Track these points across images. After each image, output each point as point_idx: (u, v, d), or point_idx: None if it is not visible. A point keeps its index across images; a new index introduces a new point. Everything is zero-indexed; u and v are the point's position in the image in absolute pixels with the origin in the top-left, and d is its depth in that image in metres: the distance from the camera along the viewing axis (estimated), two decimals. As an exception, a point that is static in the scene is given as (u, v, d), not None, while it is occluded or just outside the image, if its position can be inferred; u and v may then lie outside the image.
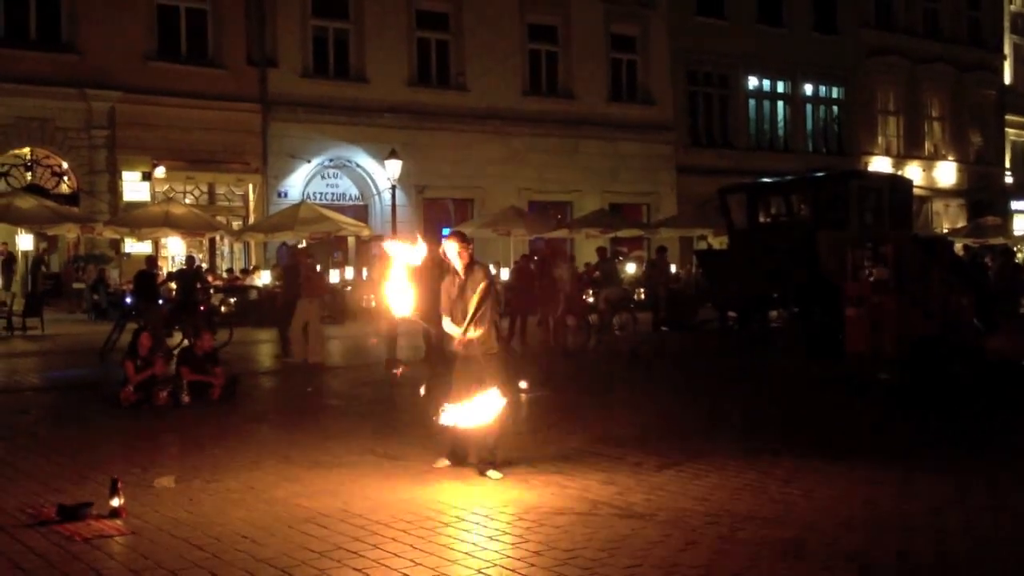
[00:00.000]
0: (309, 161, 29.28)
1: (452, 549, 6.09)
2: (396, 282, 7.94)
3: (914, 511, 6.89)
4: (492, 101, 31.61)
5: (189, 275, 20.04)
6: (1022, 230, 43.34)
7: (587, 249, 29.77)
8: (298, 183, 29.20)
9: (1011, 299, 20.41)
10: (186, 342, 15.06)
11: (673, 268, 27.30)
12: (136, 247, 26.57)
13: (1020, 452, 9.20)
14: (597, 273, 23.72)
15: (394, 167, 27.03)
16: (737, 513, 6.85)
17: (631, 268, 28.58)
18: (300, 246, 22.13)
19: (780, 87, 39.51)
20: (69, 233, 26.05)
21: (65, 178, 26.97)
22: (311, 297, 17.04)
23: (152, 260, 20.27)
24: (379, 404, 12.85)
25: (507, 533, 6.37)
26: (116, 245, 26.78)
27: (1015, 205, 45.24)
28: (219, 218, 27.69)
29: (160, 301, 18.78)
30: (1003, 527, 6.59)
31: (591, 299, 23.02)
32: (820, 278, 16.44)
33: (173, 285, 20.07)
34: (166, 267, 24.85)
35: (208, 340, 13.03)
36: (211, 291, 22.94)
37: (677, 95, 36.10)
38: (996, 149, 45.96)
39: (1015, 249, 36.58)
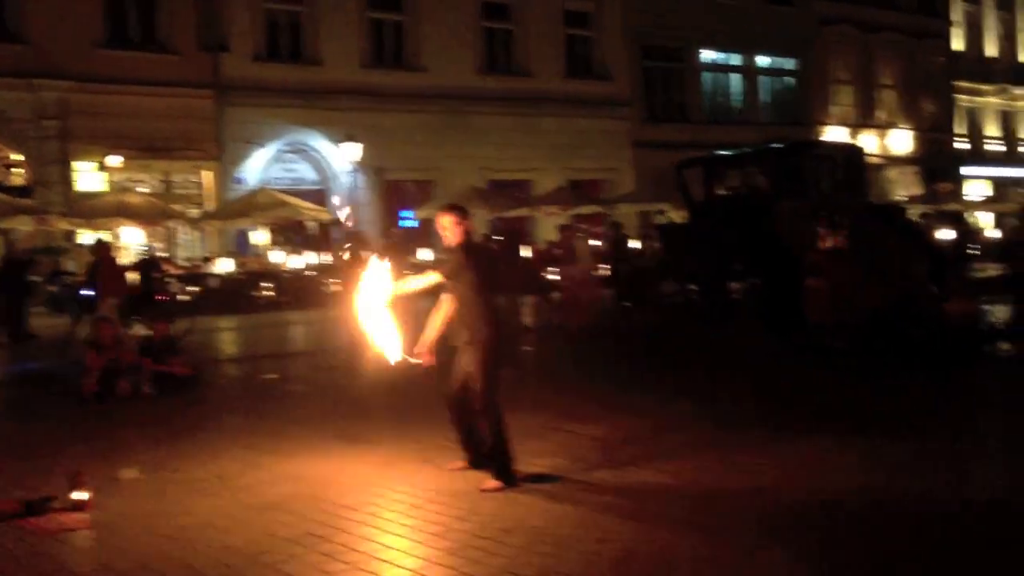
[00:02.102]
0: (263, 146, 29.04)
1: (422, 531, 6.10)
2: (380, 320, 7.19)
3: (876, 479, 6.98)
4: (448, 81, 31.48)
5: (147, 265, 19.89)
6: (974, 196, 43.85)
7: (548, 227, 29.77)
8: (255, 169, 28.97)
9: (963, 265, 20.68)
10: (147, 332, 14.93)
11: (635, 243, 27.33)
12: (91, 238, 26.25)
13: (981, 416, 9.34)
14: (558, 251, 23.72)
15: (354, 150, 26.87)
16: (703, 484, 6.91)
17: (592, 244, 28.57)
18: (101, 239, 20.08)
19: (735, 60, 39.65)
20: (23, 226, 25.69)
21: (17, 170, 26.59)
22: (112, 296, 16.00)
23: (106, 247, 20.09)
24: (343, 389, 12.83)
25: (476, 513, 6.38)
26: (71, 237, 26.47)
27: (966, 171, 45.73)
28: (176, 206, 27.42)
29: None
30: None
31: (554, 276, 23.02)
32: (779, 249, 16.53)
33: (132, 275, 19.89)
34: (123, 258, 24.55)
35: (164, 329, 12.93)
36: (169, 280, 22.77)
37: (633, 70, 36.13)
38: (947, 116, 46.39)
39: (966, 215, 37.12)
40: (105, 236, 24.48)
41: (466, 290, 7.17)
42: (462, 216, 7.38)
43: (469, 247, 7.32)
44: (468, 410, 7.32)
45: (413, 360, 7.27)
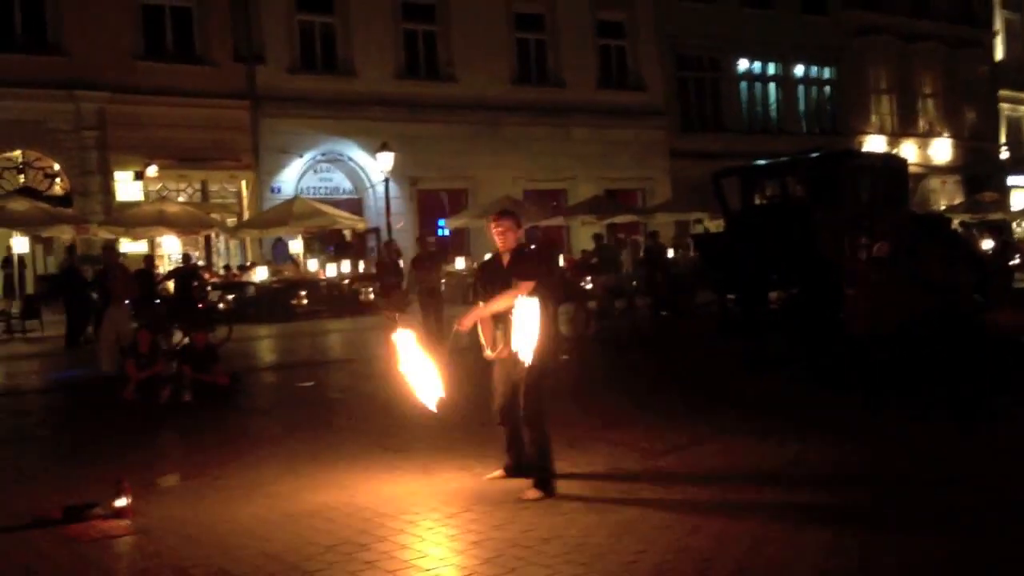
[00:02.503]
0: (301, 156, 29.24)
1: (459, 540, 6.07)
2: (415, 366, 7.11)
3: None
4: (481, 91, 31.54)
5: (186, 273, 20.03)
6: (1019, 205, 43.32)
7: (583, 236, 29.76)
8: (291, 178, 29.15)
9: (1006, 275, 20.39)
10: (186, 340, 15.03)
11: (671, 253, 27.26)
12: (131, 247, 26.51)
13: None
14: (595, 259, 23.71)
15: (387, 159, 27.00)
16: (743, 496, 6.85)
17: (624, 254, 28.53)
18: (108, 244, 20.36)
19: (771, 69, 39.46)
20: (63, 235, 25.95)
21: (57, 180, 26.90)
22: (122, 301, 15.47)
23: (150, 259, 20.30)
24: (379, 397, 12.82)
25: (513, 522, 6.34)
26: (112, 246, 26.69)
27: (1012, 180, 45.20)
28: (213, 215, 27.64)
29: (157, 300, 18.77)
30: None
31: (589, 285, 23.01)
32: (818, 259, 16.41)
33: (171, 284, 20.05)
34: (162, 266, 24.78)
35: (203, 338, 13.00)
36: (208, 288, 22.92)
37: (667, 80, 36.05)
38: (990, 125, 45.94)
39: (1014, 224, 36.65)
40: (144, 245, 24.76)
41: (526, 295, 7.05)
42: (516, 220, 7.41)
43: (522, 251, 7.35)
44: (516, 416, 7.27)
45: (456, 330, 7.29)
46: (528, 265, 7.25)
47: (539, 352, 6.96)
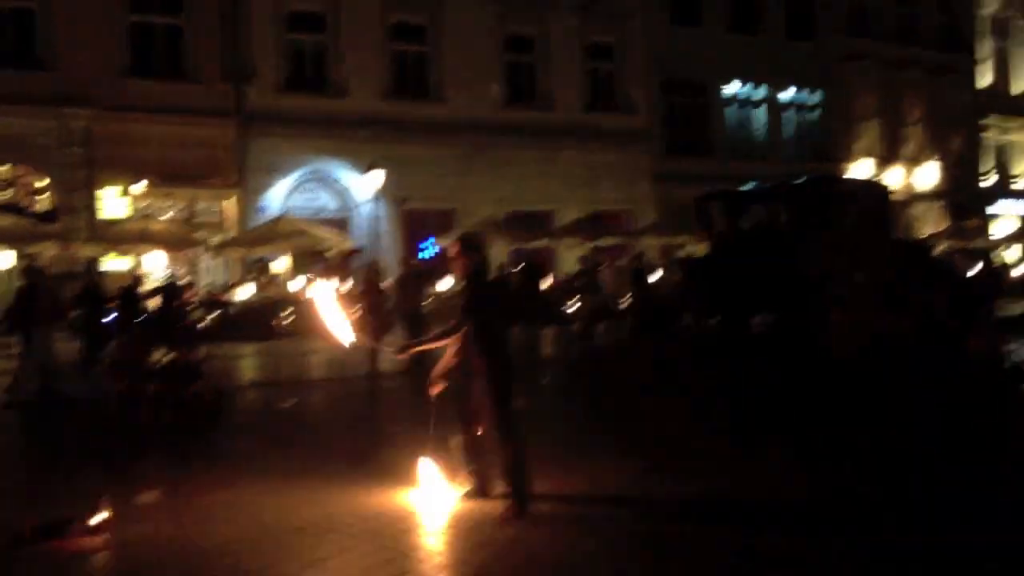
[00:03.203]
0: (286, 175, 29.22)
1: (438, 559, 6.08)
2: (331, 309, 7.56)
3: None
4: (470, 112, 31.61)
5: (169, 291, 19.94)
6: (1004, 232, 43.58)
7: (569, 258, 29.79)
8: (277, 197, 29.12)
9: (987, 301, 20.53)
10: (167, 358, 14.97)
11: (655, 276, 27.29)
12: (115, 264, 26.45)
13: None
14: (577, 282, 23.71)
15: (375, 179, 26.99)
16: (725, 515, 6.86)
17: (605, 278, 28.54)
18: (32, 264, 19.07)
19: (757, 94, 39.68)
20: (48, 251, 25.88)
21: (43, 196, 26.83)
22: (47, 324, 14.87)
23: (137, 278, 20.25)
24: (360, 417, 12.84)
25: (496, 540, 6.36)
26: (94, 263, 26.63)
27: (996, 207, 45.50)
28: (198, 233, 27.58)
29: (141, 317, 18.69)
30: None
31: (572, 308, 23.02)
32: (801, 284, 16.47)
33: (155, 301, 19.98)
34: (146, 284, 24.69)
35: (186, 355, 12.95)
36: (187, 308, 22.84)
37: (654, 103, 36.23)
38: (974, 152, 46.25)
39: (1000, 251, 36.86)
40: (127, 263, 24.63)
41: (471, 321, 7.25)
42: (466, 247, 7.46)
43: (473, 279, 7.41)
44: (478, 440, 7.39)
45: (388, 350, 7.93)
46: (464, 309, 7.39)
47: (495, 373, 7.16)
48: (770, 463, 8.61)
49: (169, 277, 22.46)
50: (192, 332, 19.60)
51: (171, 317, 18.74)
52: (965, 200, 43.36)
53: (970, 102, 45.52)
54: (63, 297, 16.38)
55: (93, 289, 19.46)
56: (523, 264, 21.44)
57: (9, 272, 25.36)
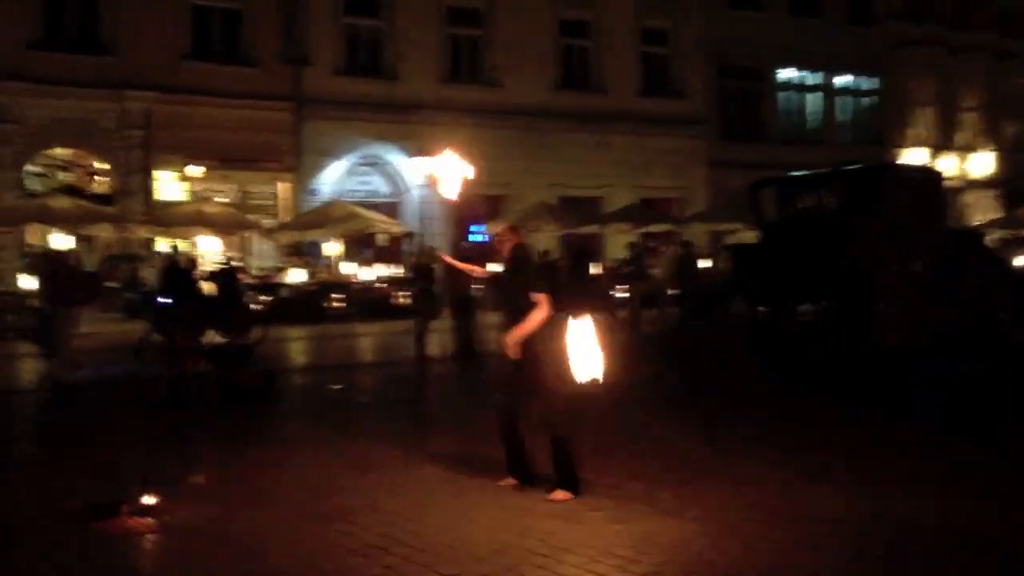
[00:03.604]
0: (339, 159, 29.41)
1: (481, 546, 6.12)
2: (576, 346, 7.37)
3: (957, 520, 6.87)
4: (524, 97, 31.57)
5: (228, 274, 20.10)
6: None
7: (618, 244, 29.72)
8: (330, 181, 29.31)
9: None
10: (219, 340, 15.14)
11: (705, 263, 27.15)
12: (167, 246, 26.77)
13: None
14: (627, 268, 23.69)
15: (428, 164, 26.99)
16: (773, 507, 6.86)
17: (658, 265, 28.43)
18: (62, 248, 19.42)
19: (813, 79, 39.25)
20: (104, 233, 26.26)
21: (100, 178, 27.22)
22: (71, 306, 14.50)
23: (186, 258, 20.43)
24: (408, 402, 12.93)
25: (535, 529, 6.39)
26: (149, 244, 27.00)
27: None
28: (252, 216, 27.84)
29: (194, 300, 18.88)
30: None
31: (621, 294, 22.99)
32: (852, 271, 16.33)
33: (207, 285, 20.17)
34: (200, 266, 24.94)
35: (237, 339, 13.12)
36: (241, 291, 23.04)
37: (709, 89, 35.95)
38: (1032, 140, 45.40)
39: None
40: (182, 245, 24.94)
41: (524, 301, 7.34)
42: (509, 231, 7.80)
43: (523, 262, 7.57)
44: (516, 427, 7.44)
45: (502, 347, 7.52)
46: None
47: (543, 355, 7.29)
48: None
49: (226, 260, 22.66)
50: (246, 315, 19.78)
51: (225, 300, 18.92)
52: (1020, 188, 42.57)
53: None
54: (99, 278, 16.16)
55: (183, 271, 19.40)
56: (573, 249, 21.40)
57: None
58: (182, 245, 25.77)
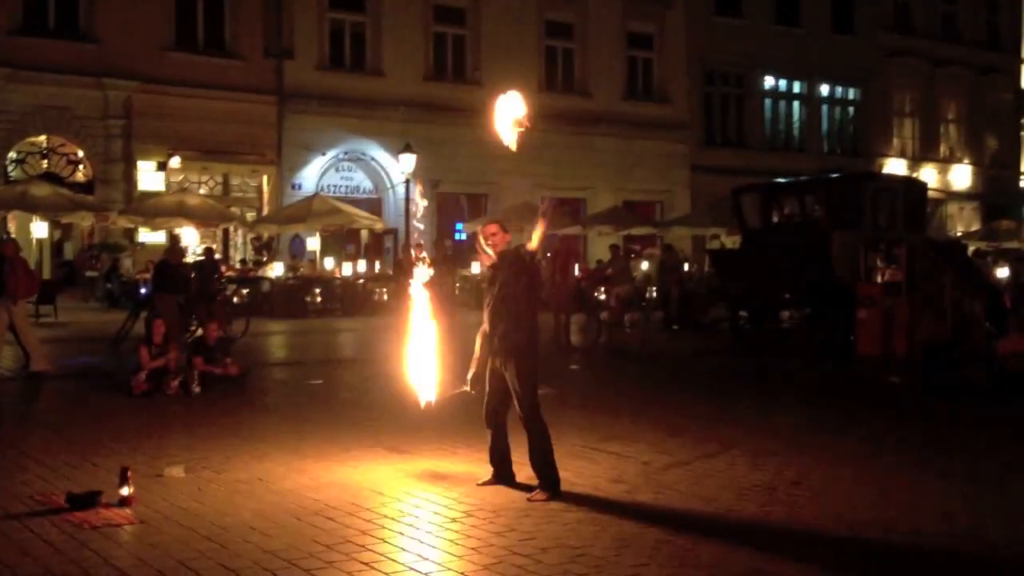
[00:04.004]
0: (324, 154, 29.37)
1: (459, 544, 6.11)
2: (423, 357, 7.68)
3: (926, 517, 6.89)
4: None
5: (208, 266, 20.06)
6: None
7: (600, 246, 29.77)
8: (312, 175, 29.27)
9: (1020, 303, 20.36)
10: (199, 332, 15.08)
11: (686, 267, 27.26)
12: (150, 236, 26.68)
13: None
14: (610, 270, 23.72)
15: (408, 161, 27.07)
16: (745, 513, 6.86)
17: (644, 266, 28.55)
18: (3, 236, 19.28)
19: (796, 87, 39.45)
20: (83, 221, 26.14)
21: (80, 166, 27.08)
22: (20, 297, 13.93)
23: (174, 251, 20.34)
24: (389, 398, 12.88)
25: (514, 529, 6.38)
26: (130, 234, 26.88)
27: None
28: (233, 209, 27.76)
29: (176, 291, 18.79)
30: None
31: (603, 296, 23.05)
32: (833, 279, 16.43)
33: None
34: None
35: (215, 330, 13.06)
36: (224, 282, 23.00)
37: (693, 94, 36.07)
38: (1012, 152, 45.79)
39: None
40: (162, 236, 24.80)
41: (505, 298, 7.27)
42: (504, 228, 7.59)
43: (513, 255, 7.43)
44: (501, 425, 7.47)
45: (465, 389, 7.64)
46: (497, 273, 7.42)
47: (523, 350, 7.24)
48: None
49: (205, 252, 22.55)
50: (226, 307, 19.72)
51: (207, 292, 18.85)
52: (999, 201, 42.93)
53: (1011, 102, 45.03)
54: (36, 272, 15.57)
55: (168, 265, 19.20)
56: (554, 250, 21.35)
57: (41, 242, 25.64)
58: (163, 236, 25.68)
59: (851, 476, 8.07)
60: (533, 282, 7.59)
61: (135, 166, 27.05)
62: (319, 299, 25.62)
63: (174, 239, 21.75)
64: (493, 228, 7.54)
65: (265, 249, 28.17)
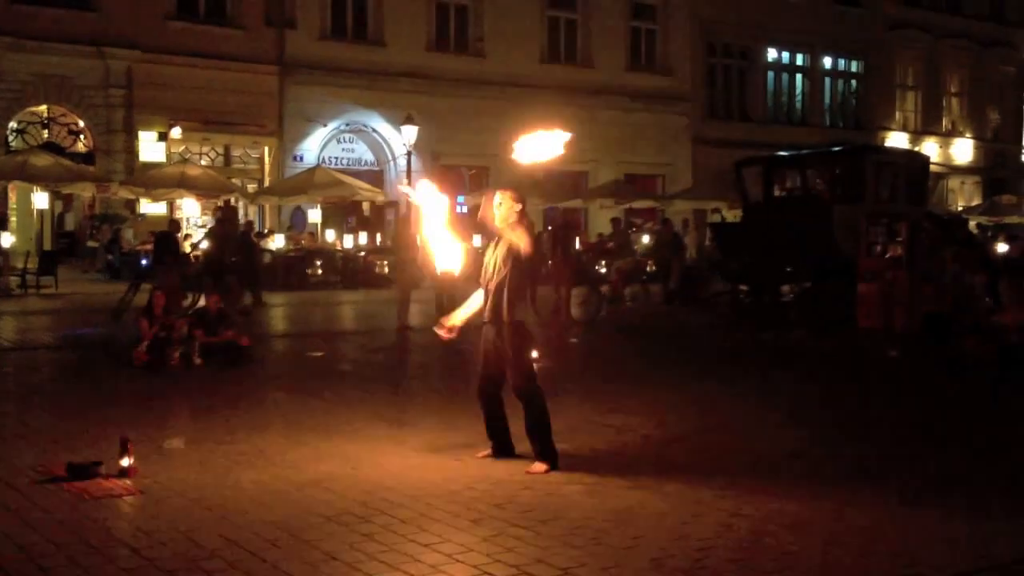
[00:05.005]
0: (325, 125, 29.27)
1: (459, 516, 6.12)
2: (438, 234, 7.23)
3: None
4: (509, 68, 31.45)
5: (228, 234, 19.78)
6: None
7: (602, 219, 29.73)
8: (314, 147, 29.19)
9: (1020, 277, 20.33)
10: (201, 303, 15.07)
11: (687, 239, 27.23)
12: (151, 208, 26.65)
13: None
14: (611, 244, 23.72)
15: (410, 132, 27.00)
16: (744, 485, 6.88)
17: (645, 239, 28.52)
18: None
19: (799, 60, 39.29)
20: (84, 192, 26.10)
21: (81, 137, 27.01)
22: None
23: (175, 222, 20.32)
24: (391, 370, 12.92)
25: (514, 501, 6.39)
26: (131, 205, 26.86)
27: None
28: (234, 180, 27.71)
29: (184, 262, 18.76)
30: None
31: (604, 270, 23.04)
32: (834, 253, 16.41)
33: (204, 244, 19.95)
34: (184, 228, 24.81)
35: (218, 301, 13.05)
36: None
37: (696, 66, 35.92)
38: (1014, 127, 45.64)
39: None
40: (163, 207, 24.80)
41: (510, 271, 7.20)
42: (517, 197, 7.42)
43: (509, 242, 7.30)
44: (496, 399, 7.43)
45: (438, 331, 7.55)
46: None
47: (519, 324, 7.20)
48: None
49: (245, 225, 22.45)
50: (252, 276, 19.66)
51: (225, 261, 18.80)
52: (1001, 175, 42.83)
53: (1014, 76, 44.85)
54: None
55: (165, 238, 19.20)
56: (556, 223, 21.37)
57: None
58: (164, 208, 25.68)
59: (851, 449, 8.09)
60: (529, 267, 7.48)
61: (136, 136, 26.99)
62: (320, 271, 25.62)
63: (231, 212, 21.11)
64: (500, 196, 7.39)
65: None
